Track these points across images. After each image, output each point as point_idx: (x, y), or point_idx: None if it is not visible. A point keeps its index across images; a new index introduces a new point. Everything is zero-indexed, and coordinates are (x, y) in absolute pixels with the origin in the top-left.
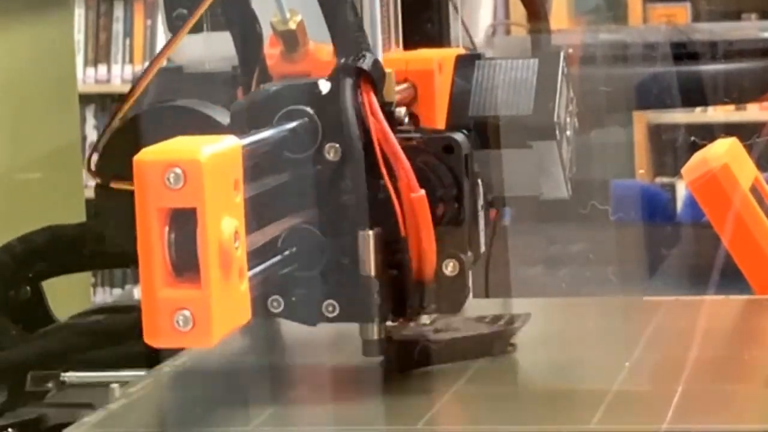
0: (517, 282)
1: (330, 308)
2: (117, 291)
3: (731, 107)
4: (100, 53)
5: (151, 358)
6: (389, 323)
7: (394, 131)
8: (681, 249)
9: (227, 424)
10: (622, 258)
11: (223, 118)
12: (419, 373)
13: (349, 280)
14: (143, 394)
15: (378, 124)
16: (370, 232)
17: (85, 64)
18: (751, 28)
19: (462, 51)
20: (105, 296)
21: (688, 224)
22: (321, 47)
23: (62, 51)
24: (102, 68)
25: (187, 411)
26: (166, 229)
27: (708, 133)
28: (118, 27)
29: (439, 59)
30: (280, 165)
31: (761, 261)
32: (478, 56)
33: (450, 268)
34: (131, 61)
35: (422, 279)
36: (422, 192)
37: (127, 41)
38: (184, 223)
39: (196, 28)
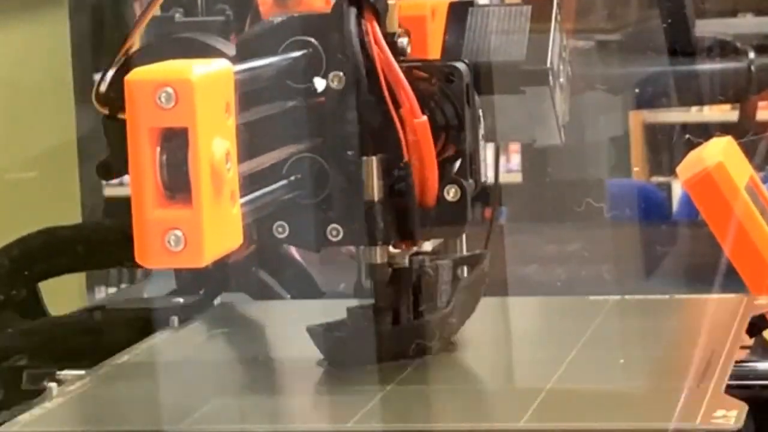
0: (513, 280)
1: (334, 232)
2: (112, 290)
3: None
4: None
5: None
6: (392, 249)
7: (397, 60)
8: (676, 247)
9: (162, 421)
10: (617, 256)
11: (228, 49)
12: (356, 370)
13: (353, 205)
14: (81, 393)
15: (382, 53)
16: (374, 158)
17: None
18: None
19: None
20: (100, 295)
21: (683, 223)
22: None
23: (57, 50)
24: None
25: (123, 409)
26: (158, 149)
27: (703, 131)
28: None
29: (432, 5)
30: (284, 94)
31: (756, 259)
32: (471, 3)
33: (452, 193)
34: None
35: (424, 204)
36: (425, 118)
37: None
38: (175, 143)
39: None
